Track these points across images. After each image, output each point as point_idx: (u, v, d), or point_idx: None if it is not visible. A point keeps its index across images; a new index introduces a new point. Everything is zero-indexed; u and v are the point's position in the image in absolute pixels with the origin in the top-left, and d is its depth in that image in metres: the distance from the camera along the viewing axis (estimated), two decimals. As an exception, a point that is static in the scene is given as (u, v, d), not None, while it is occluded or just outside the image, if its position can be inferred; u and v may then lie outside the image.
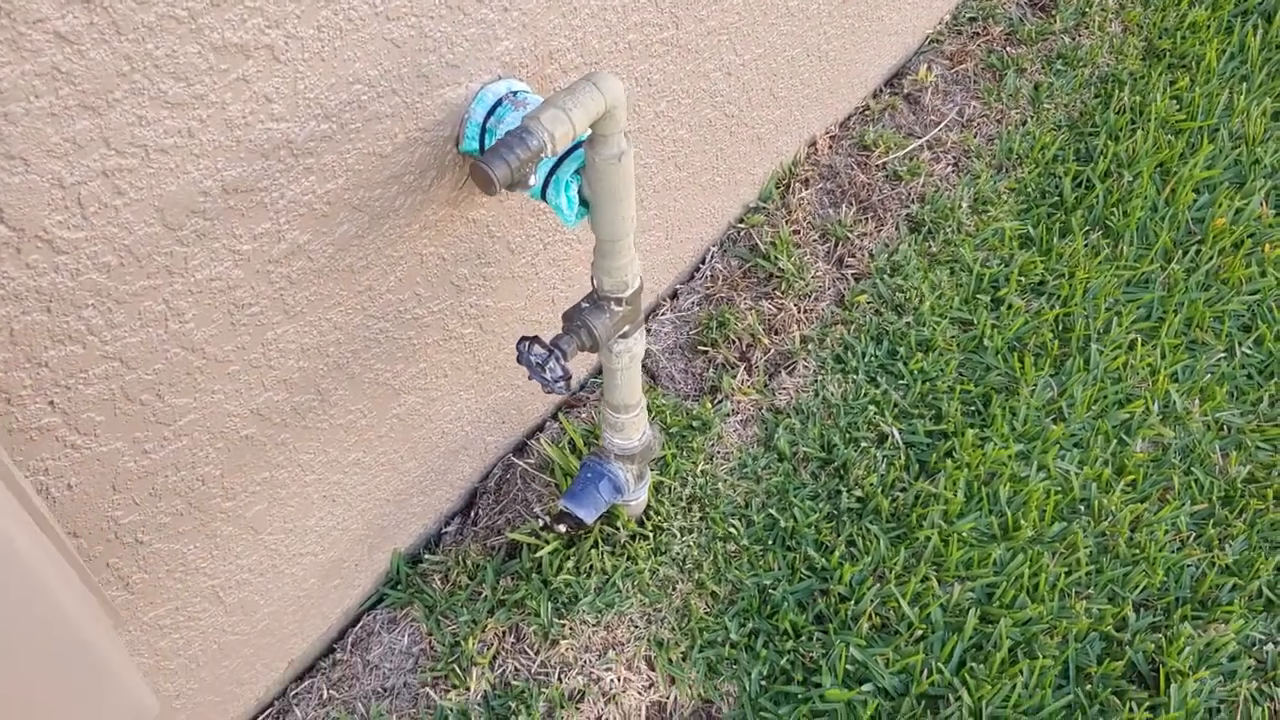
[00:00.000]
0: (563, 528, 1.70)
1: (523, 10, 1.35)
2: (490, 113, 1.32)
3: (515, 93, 1.34)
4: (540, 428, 1.96)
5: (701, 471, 1.91)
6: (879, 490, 1.90)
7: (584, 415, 1.97)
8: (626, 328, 1.44)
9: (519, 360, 1.39)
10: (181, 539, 1.31)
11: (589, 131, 1.21)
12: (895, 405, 2.02)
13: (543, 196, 1.31)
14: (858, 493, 1.90)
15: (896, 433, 1.98)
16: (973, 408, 2.03)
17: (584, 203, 1.31)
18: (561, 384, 1.37)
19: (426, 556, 1.80)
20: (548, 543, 1.78)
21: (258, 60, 1.05)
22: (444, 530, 1.85)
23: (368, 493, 1.60)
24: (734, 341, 2.09)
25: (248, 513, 1.39)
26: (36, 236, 0.96)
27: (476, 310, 1.59)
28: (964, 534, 1.86)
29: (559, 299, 1.78)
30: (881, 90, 2.56)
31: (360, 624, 1.74)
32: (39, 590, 0.75)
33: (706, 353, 2.09)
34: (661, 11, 1.62)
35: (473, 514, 1.86)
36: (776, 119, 2.16)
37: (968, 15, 2.72)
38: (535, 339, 1.36)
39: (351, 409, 1.46)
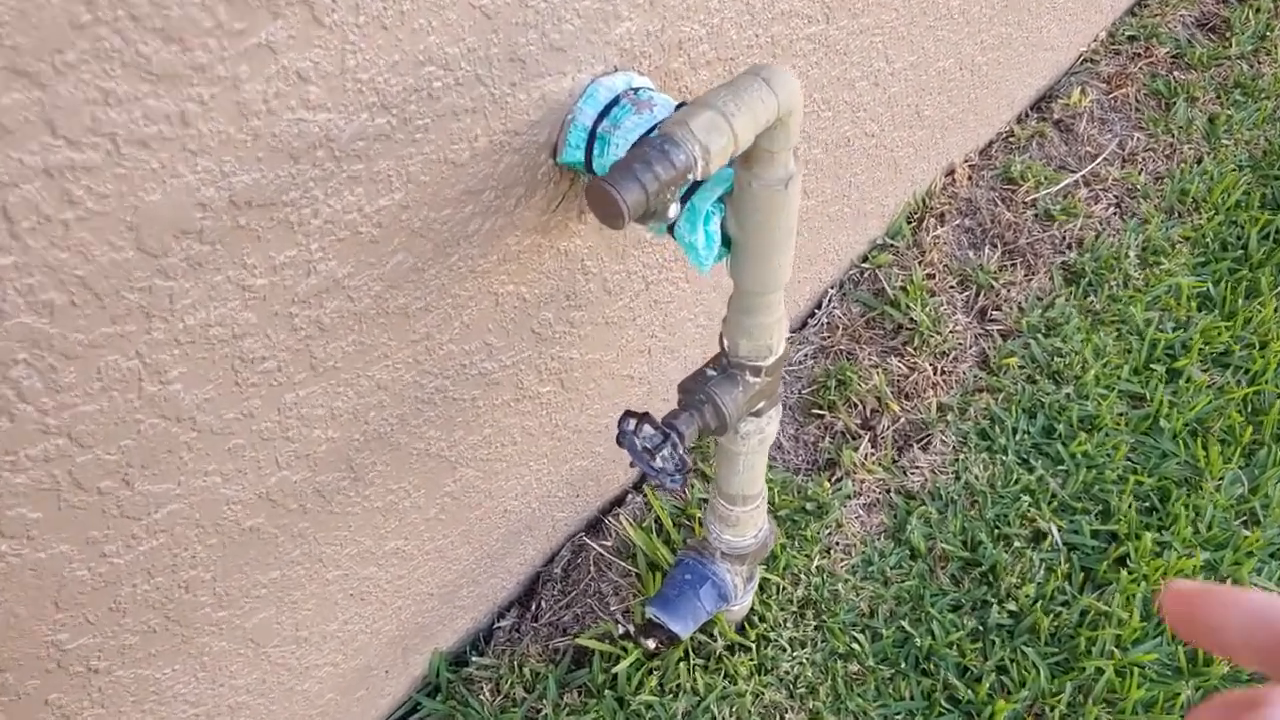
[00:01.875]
0: (651, 643, 1.36)
1: (653, -21, 1.00)
2: (603, 114, 0.98)
3: (636, 90, 1.00)
4: (620, 501, 1.61)
5: (817, 568, 1.55)
6: (1036, 604, 1.53)
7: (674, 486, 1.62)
8: (761, 404, 1.09)
9: (619, 442, 1.04)
10: (153, 662, 0.97)
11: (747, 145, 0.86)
12: (1054, 496, 1.65)
13: (669, 231, 0.97)
14: (1010, 606, 1.54)
15: (1056, 531, 1.61)
16: (1148, 504, 1.66)
17: (725, 240, 0.96)
18: (677, 478, 1.02)
19: (474, 659, 1.46)
20: (626, 652, 1.43)
21: (290, 20, 0.72)
22: (496, 625, 1.50)
23: (406, 587, 1.26)
24: (856, 406, 1.74)
25: (247, 623, 1.05)
26: (-69, 262, 0.63)
27: (559, 363, 1.25)
28: (1144, 666, 1.49)
29: (655, 349, 1.44)
30: (1028, 114, 2.19)
31: (388, 740, 1.40)
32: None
33: (823, 417, 1.73)
34: (814, 1, 1.27)
35: (533, 605, 1.52)
36: (917, 141, 1.80)
37: (1126, 33, 2.35)
38: (645, 417, 1.01)
39: (393, 488, 1.12)
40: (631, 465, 1.07)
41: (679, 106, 0.96)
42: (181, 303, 0.77)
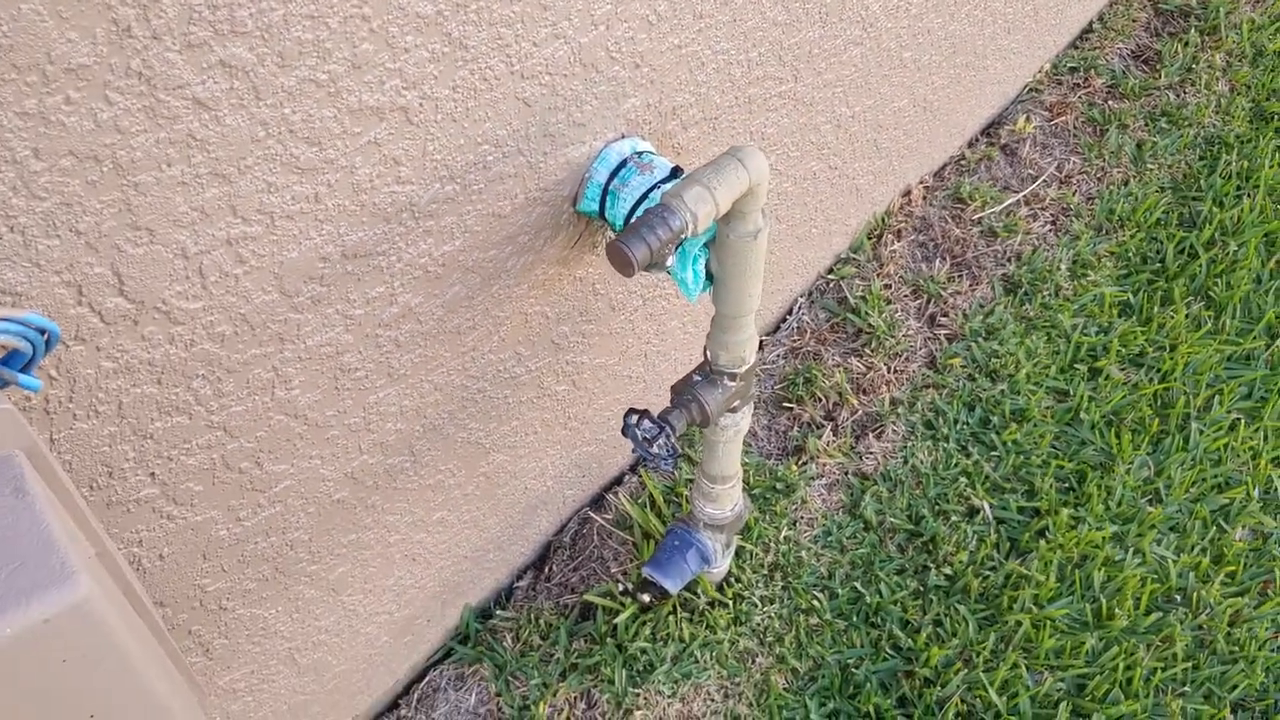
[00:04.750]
0: (646, 597, 1.63)
1: (653, 66, 1.27)
2: (614, 174, 1.25)
3: (640, 154, 1.27)
4: (619, 480, 1.89)
5: (785, 538, 1.83)
6: (968, 568, 1.82)
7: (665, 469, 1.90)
8: (737, 403, 1.37)
9: (625, 433, 1.31)
10: (264, 604, 1.24)
11: (726, 207, 1.14)
12: (987, 478, 1.93)
13: (664, 268, 1.24)
14: (947, 570, 1.82)
15: (988, 508, 1.90)
16: (1067, 484, 1.95)
17: (709, 276, 1.23)
18: (669, 462, 1.30)
19: (498, 612, 1.73)
20: (625, 606, 1.71)
21: (390, 122, 0.99)
22: (516, 585, 1.78)
23: (448, 550, 1.53)
24: (820, 400, 2.02)
25: (331, 575, 1.32)
26: (155, 308, 0.89)
27: (572, 367, 1.52)
28: (1056, 620, 1.78)
29: (651, 353, 1.71)
30: (978, 139, 2.47)
31: (426, 679, 1.68)
32: (129, 672, 0.69)
33: (792, 410, 2.01)
34: (784, 65, 1.54)
35: (547, 568, 1.79)
36: (876, 169, 2.08)
37: (1068, 65, 2.63)
38: (645, 413, 1.29)
39: (441, 469, 1.39)
40: (633, 451, 1.34)
41: (673, 170, 1.23)
42: (304, 330, 1.04)
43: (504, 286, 1.27)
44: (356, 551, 1.34)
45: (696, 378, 1.34)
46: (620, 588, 1.71)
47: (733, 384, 1.33)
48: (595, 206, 1.27)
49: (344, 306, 1.07)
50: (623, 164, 1.25)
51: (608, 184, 1.25)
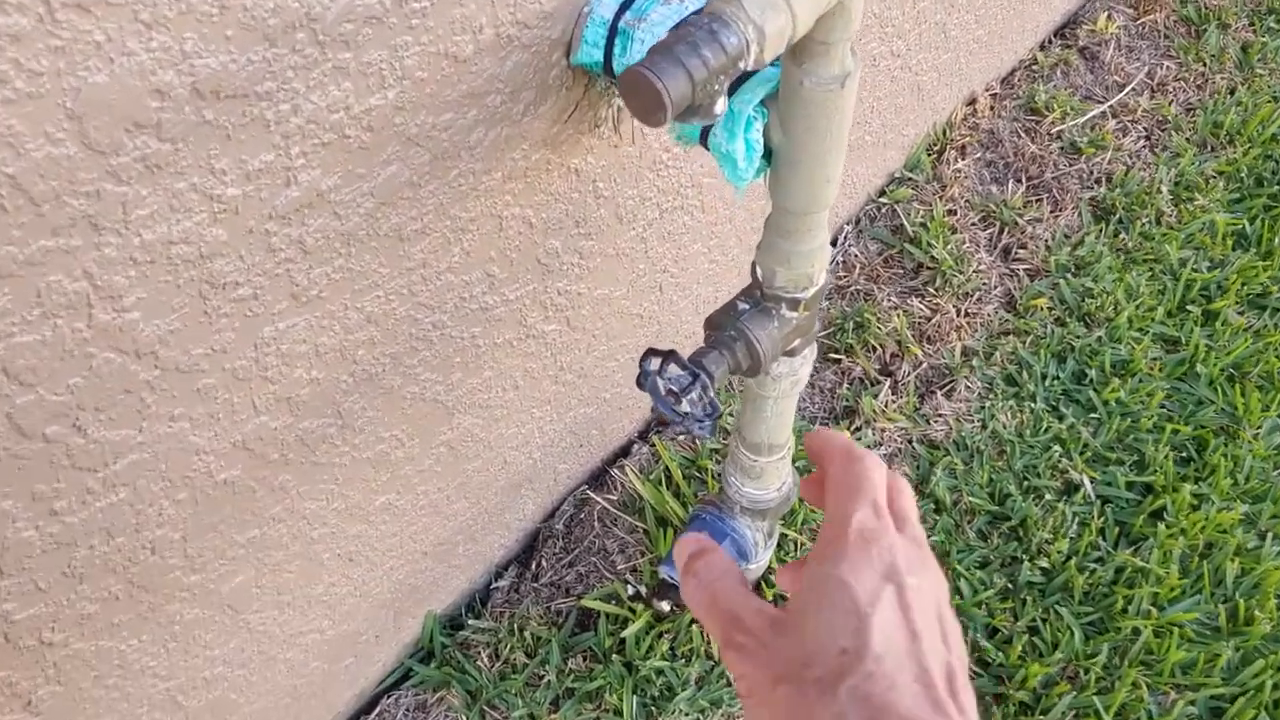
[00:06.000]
0: (666, 605, 1.25)
1: None
2: (625, 5, 0.85)
3: (664, -24, 0.87)
4: (625, 451, 1.49)
5: (837, 523, 1.44)
6: (1070, 560, 1.43)
7: (682, 436, 1.50)
8: (797, 342, 0.98)
9: (639, 384, 0.92)
10: (117, 633, 0.85)
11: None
12: (1086, 446, 1.54)
13: (702, 140, 0.84)
14: (1042, 562, 1.43)
15: (1089, 483, 1.51)
16: (1184, 454, 1.56)
17: (766, 151, 0.83)
18: (706, 424, 0.91)
19: (470, 621, 1.34)
20: (635, 614, 1.32)
21: None
22: (494, 585, 1.39)
23: (398, 546, 1.14)
24: (875, 350, 1.62)
25: (223, 587, 0.93)
26: None
27: (565, 299, 1.13)
28: (1183, 626, 1.40)
29: (668, 285, 1.32)
30: (1051, 41, 2.07)
31: (377, 709, 1.29)
32: None
33: (839, 362, 1.61)
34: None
35: (534, 564, 1.40)
36: (942, 65, 1.68)
37: (1154, -44, 2.23)
38: (670, 355, 0.90)
39: (384, 436, 1.00)
40: (654, 410, 0.95)
41: (714, -5, 0.83)
42: (137, 213, 0.65)
43: (466, 173, 0.88)
44: (261, 553, 0.95)
45: (743, 305, 0.94)
46: (630, 590, 1.32)
47: (794, 314, 0.94)
48: (599, 55, 0.87)
49: (205, 180, 0.67)
50: (638, -10, 0.85)
51: (616, 19, 0.85)
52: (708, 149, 0.84)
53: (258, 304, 0.77)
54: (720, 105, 0.69)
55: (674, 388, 0.90)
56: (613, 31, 0.86)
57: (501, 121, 0.87)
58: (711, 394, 0.90)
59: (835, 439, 0.60)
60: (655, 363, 0.90)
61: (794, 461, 1.23)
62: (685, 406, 0.90)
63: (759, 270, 0.92)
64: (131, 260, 0.66)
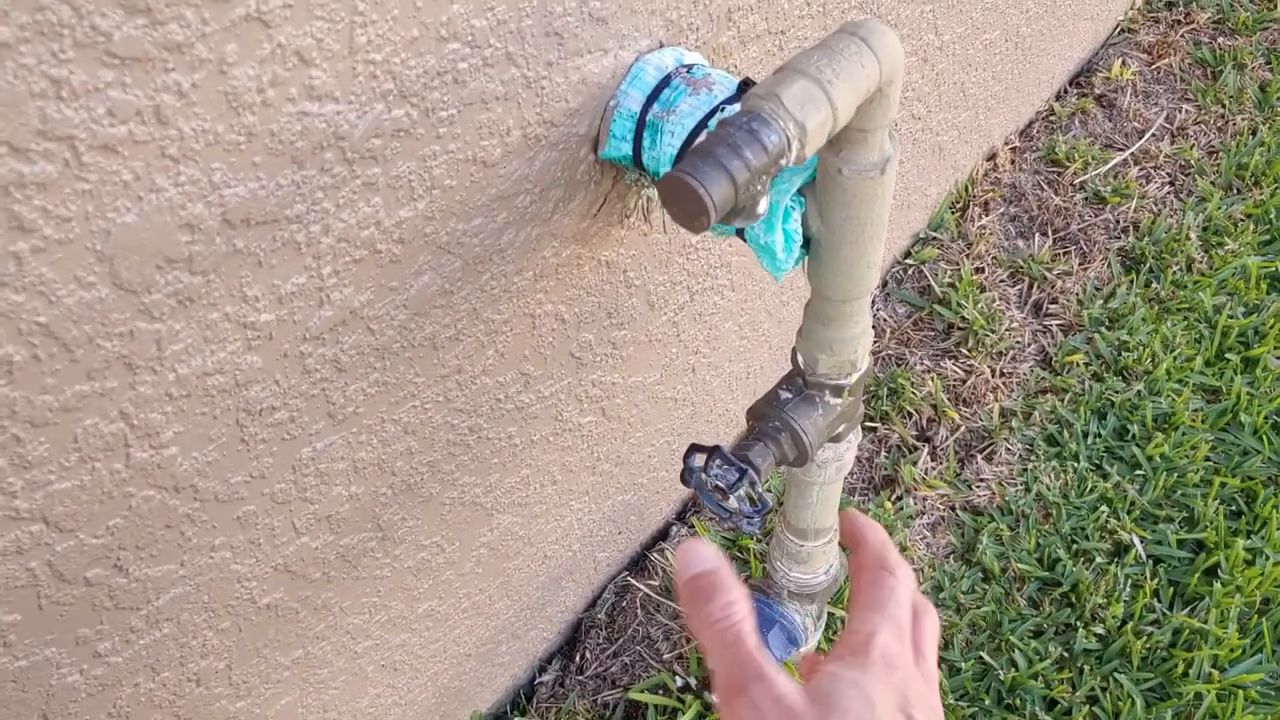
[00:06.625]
0: (716, 697, 1.21)
1: (701, -59, 0.87)
2: (652, 97, 0.84)
3: (690, 67, 0.85)
4: (664, 534, 1.47)
5: (886, 598, 1.40)
6: (1125, 625, 1.39)
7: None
8: (841, 428, 0.95)
9: (684, 480, 0.90)
10: (163, 769, 0.83)
11: (838, 124, 0.72)
12: (1133, 504, 1.51)
13: (739, 232, 0.83)
14: (1097, 629, 1.39)
15: (1139, 543, 1.47)
16: (1234, 507, 1.52)
17: (804, 240, 0.82)
18: (756, 520, 0.88)
19: (515, 719, 1.31)
20: (685, 705, 1.29)
21: (286, -11, 0.57)
22: (538, 680, 1.35)
23: (442, 651, 1.11)
24: (911, 415, 1.59)
25: (269, 711, 0.91)
26: None
27: (600, 390, 1.11)
28: (1246, 688, 1.35)
29: (700, 366, 1.29)
30: (1067, 91, 2.06)
31: (426, 817, 1.25)
32: None
33: (876, 430, 1.59)
34: (865, -36, 1.13)
35: (577, 656, 1.37)
36: (961, 123, 1.67)
37: (1163, 0, 2.22)
38: (715, 450, 0.87)
39: (425, 543, 0.98)
40: (702, 505, 0.92)
41: (742, 84, 0.82)
42: (171, 348, 0.63)
43: (498, 275, 0.86)
44: (305, 672, 0.92)
45: (786, 394, 0.92)
46: (679, 682, 1.29)
47: (838, 401, 0.91)
48: (628, 150, 0.86)
49: (238, 309, 0.66)
50: (665, 82, 0.84)
51: (644, 112, 0.84)
52: (744, 240, 0.82)
53: (295, 426, 0.75)
54: (763, 206, 0.67)
55: (720, 485, 0.87)
56: (640, 124, 0.84)
57: (531, 221, 0.86)
58: (759, 489, 0.87)
59: (870, 533, 0.63)
60: (700, 459, 0.88)
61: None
62: (733, 503, 0.88)
63: (800, 358, 0.90)
64: (167, 396, 0.65)
